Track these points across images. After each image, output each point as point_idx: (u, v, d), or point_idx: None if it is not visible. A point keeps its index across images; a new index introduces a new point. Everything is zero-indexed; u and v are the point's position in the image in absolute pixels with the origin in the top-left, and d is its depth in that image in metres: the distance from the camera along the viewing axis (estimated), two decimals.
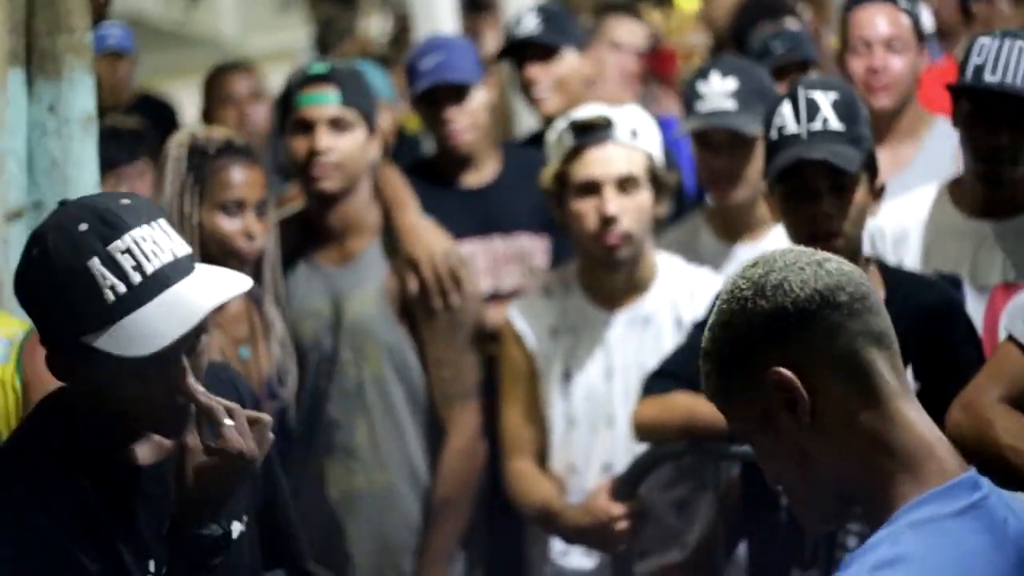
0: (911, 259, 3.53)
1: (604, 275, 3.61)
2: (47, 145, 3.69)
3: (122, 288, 2.16)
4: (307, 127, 3.80)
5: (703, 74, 3.89)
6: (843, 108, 3.11)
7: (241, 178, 3.53)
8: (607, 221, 3.53)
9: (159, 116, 6.30)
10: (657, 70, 6.44)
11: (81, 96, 3.73)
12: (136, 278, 2.17)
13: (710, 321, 1.93)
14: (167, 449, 2.34)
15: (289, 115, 3.87)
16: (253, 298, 3.56)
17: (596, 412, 3.65)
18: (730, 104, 3.80)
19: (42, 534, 2.22)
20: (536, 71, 4.58)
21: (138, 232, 2.19)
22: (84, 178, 3.71)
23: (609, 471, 3.62)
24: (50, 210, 3.59)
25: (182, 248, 2.24)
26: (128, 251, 2.17)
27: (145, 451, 2.35)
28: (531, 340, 3.69)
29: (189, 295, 2.18)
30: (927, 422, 1.89)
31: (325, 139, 3.78)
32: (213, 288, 2.22)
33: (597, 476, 3.64)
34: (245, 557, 2.47)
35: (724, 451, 3.28)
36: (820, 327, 1.86)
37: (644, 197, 3.58)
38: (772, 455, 1.91)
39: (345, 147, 3.79)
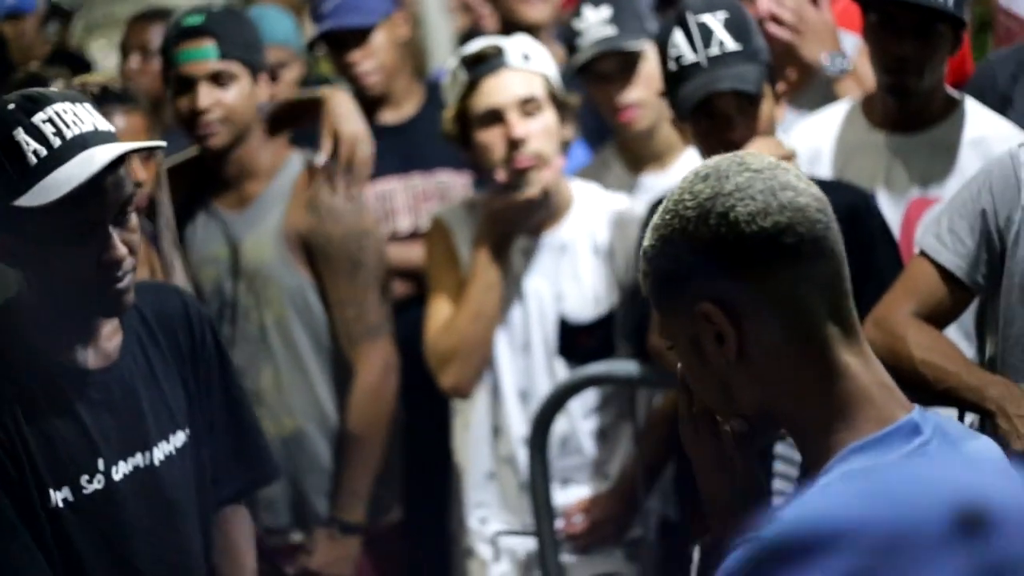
0: (824, 176, 3.52)
1: None
2: None
3: (43, 151, 2.34)
4: (187, 84, 3.70)
5: (576, 13, 3.87)
6: (735, 26, 3.10)
7: (119, 124, 3.36)
8: (515, 144, 3.49)
9: (74, 71, 6.18)
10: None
11: None
12: (56, 142, 2.34)
13: (653, 221, 1.81)
14: (112, 357, 2.52)
15: (169, 71, 3.76)
16: (152, 244, 3.51)
17: (512, 338, 3.63)
18: (610, 30, 3.78)
19: None
20: None
21: (60, 106, 2.38)
22: None
23: (525, 398, 3.61)
24: None
25: (105, 125, 2.41)
26: (50, 120, 2.36)
27: (93, 355, 2.51)
28: (458, 240, 3.67)
29: (105, 154, 2.35)
30: (868, 367, 1.78)
31: (206, 97, 3.66)
32: (127, 147, 2.39)
33: (515, 403, 3.62)
34: (189, 471, 2.60)
35: (641, 377, 3.26)
36: (760, 269, 1.74)
37: (548, 117, 3.54)
38: (697, 376, 1.82)
39: (228, 100, 3.68)
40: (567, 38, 3.89)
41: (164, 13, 5.63)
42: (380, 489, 3.87)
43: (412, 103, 4.38)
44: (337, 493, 3.81)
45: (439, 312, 3.65)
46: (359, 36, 4.26)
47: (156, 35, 5.33)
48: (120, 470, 2.50)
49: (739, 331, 1.75)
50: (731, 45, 3.07)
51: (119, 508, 2.49)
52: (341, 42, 4.29)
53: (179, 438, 2.59)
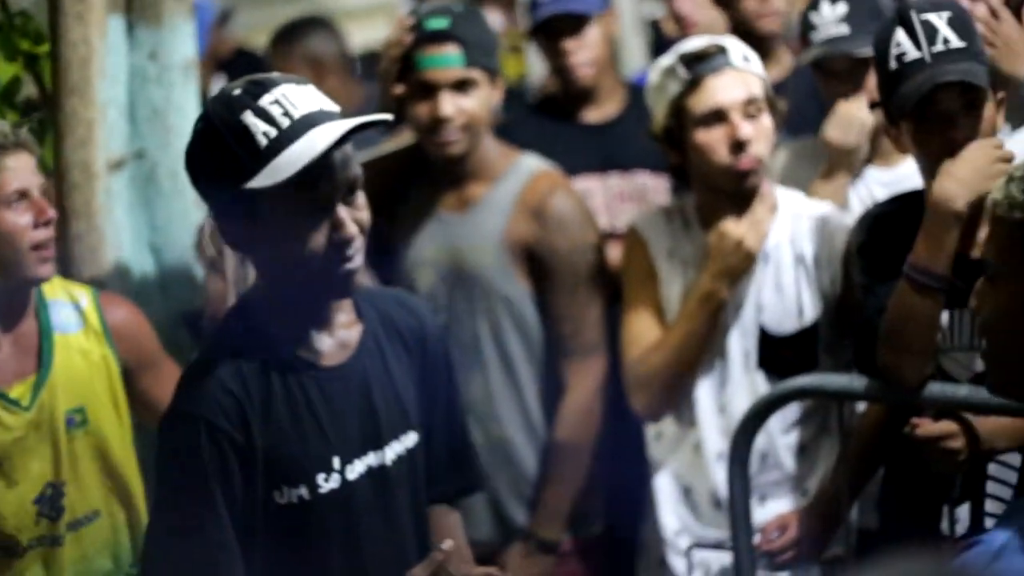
0: None
1: (726, 211, 3.49)
2: (148, 93, 3.63)
3: (273, 132, 2.32)
4: (429, 90, 3.66)
5: (814, 5, 3.80)
6: (959, 25, 3.02)
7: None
8: (739, 146, 3.42)
9: (253, 71, 6.14)
10: None
11: (181, 42, 3.67)
12: (285, 122, 2.33)
13: None
14: (349, 352, 2.48)
15: (409, 74, 3.70)
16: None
17: (712, 347, 3.54)
18: (844, 29, 3.71)
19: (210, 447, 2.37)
20: None
21: (287, 87, 2.37)
22: (186, 126, 3.61)
23: (722, 411, 3.53)
24: (152, 160, 3.60)
25: (331, 105, 2.39)
26: (277, 102, 2.34)
27: (330, 350, 2.48)
28: (654, 251, 3.60)
29: (333, 131, 2.32)
30: None
31: (449, 105, 3.64)
32: (355, 122, 2.34)
33: (711, 414, 3.54)
34: (416, 472, 2.57)
35: (850, 390, 3.16)
36: None
37: (767, 121, 3.49)
38: (1013, 328, 1.85)
39: (470, 108, 3.67)
40: (802, 30, 3.82)
41: (309, 28, 5.43)
42: (585, 503, 3.83)
43: (614, 103, 4.34)
44: (538, 510, 3.76)
45: (637, 330, 3.58)
46: (576, 25, 4.23)
47: (298, 63, 5.10)
48: (355, 469, 2.46)
49: None
50: (956, 42, 2.99)
51: (352, 508, 2.46)
52: (557, 30, 4.24)
53: (411, 438, 2.56)
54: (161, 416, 2.49)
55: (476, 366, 3.74)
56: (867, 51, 3.59)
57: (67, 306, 3.13)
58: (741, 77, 3.48)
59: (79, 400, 3.09)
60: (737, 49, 3.52)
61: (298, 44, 5.17)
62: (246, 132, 2.32)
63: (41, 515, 3.06)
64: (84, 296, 3.16)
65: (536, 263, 3.73)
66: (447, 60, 3.66)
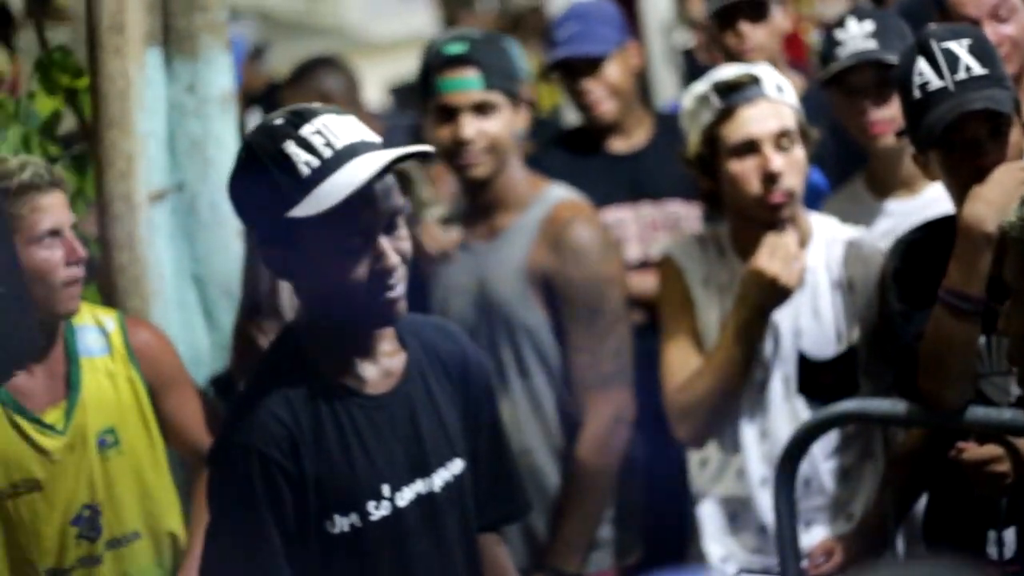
0: None
1: (760, 238, 3.49)
2: (187, 125, 3.65)
3: (315, 162, 2.35)
4: (450, 113, 3.71)
5: (839, 23, 3.79)
6: (980, 52, 3.02)
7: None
8: (771, 179, 3.41)
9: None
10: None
11: (219, 75, 3.69)
12: (327, 152, 2.35)
13: None
14: (394, 381, 2.50)
15: (430, 99, 3.76)
16: None
17: (750, 375, 3.52)
18: (872, 44, 3.70)
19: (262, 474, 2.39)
20: (747, 29, 4.31)
21: (328, 118, 2.40)
22: (224, 158, 3.65)
23: (764, 437, 3.52)
24: (192, 191, 3.62)
25: (373, 136, 2.41)
26: (319, 132, 2.37)
27: (375, 379, 2.50)
28: (690, 279, 3.60)
29: (375, 161, 2.34)
30: None
31: (470, 127, 3.68)
32: (396, 153, 2.36)
33: (753, 441, 3.53)
34: (464, 499, 2.58)
35: (894, 415, 3.15)
36: None
37: (800, 152, 3.48)
38: None
39: (491, 130, 3.70)
40: (825, 48, 3.80)
41: (319, 66, 5.39)
42: (621, 532, 3.82)
43: (643, 132, 4.35)
44: (556, 542, 3.75)
45: (676, 359, 3.57)
46: (592, 65, 4.26)
47: (310, 100, 5.08)
48: (404, 496, 2.48)
49: None
50: (978, 70, 3.00)
51: (403, 535, 2.47)
52: (575, 70, 4.28)
53: (457, 465, 2.56)
54: (209, 446, 2.53)
55: (503, 394, 3.74)
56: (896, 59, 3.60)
57: (93, 331, 3.17)
58: (774, 108, 3.47)
59: (109, 421, 3.14)
60: (771, 79, 3.51)
61: (309, 82, 5.20)
62: (288, 161, 2.35)
63: (81, 536, 3.10)
64: (110, 320, 3.21)
65: (553, 292, 3.74)
66: (466, 83, 3.69)
